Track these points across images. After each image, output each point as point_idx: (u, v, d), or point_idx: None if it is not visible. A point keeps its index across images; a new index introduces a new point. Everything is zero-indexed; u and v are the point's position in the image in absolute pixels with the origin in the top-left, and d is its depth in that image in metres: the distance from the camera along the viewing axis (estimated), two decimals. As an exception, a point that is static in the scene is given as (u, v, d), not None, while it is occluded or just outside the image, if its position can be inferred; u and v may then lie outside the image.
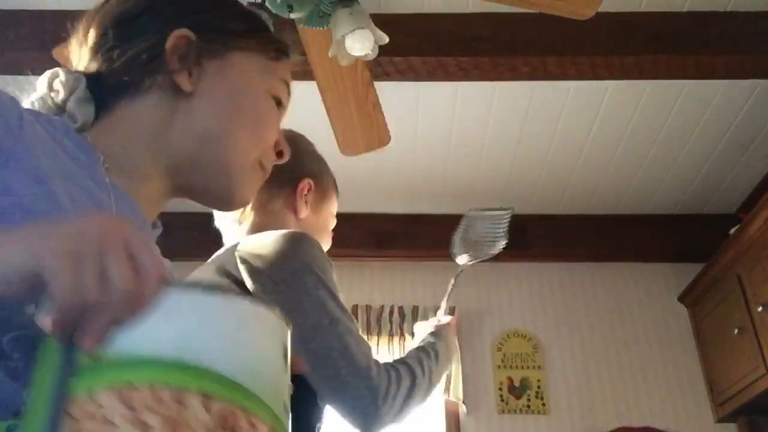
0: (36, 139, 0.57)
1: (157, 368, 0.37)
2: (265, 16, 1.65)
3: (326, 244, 1.32)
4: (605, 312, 3.31)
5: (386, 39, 1.67)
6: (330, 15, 1.67)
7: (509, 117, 2.82)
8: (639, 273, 3.40)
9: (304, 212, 1.28)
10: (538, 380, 3.13)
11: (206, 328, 0.39)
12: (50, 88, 0.69)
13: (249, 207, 1.25)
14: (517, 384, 3.12)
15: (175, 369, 0.37)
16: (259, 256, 1.08)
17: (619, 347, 3.22)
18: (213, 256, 1.22)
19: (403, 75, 2.37)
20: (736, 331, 2.76)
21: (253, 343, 0.41)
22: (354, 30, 1.62)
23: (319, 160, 1.37)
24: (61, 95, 0.68)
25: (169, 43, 0.69)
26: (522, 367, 3.16)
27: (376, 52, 1.70)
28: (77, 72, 0.70)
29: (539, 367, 3.17)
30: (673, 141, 2.94)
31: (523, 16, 2.30)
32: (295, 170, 1.25)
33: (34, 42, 2.19)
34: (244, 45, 0.74)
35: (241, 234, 1.24)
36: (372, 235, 3.42)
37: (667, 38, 2.31)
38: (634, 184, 3.23)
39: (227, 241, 1.28)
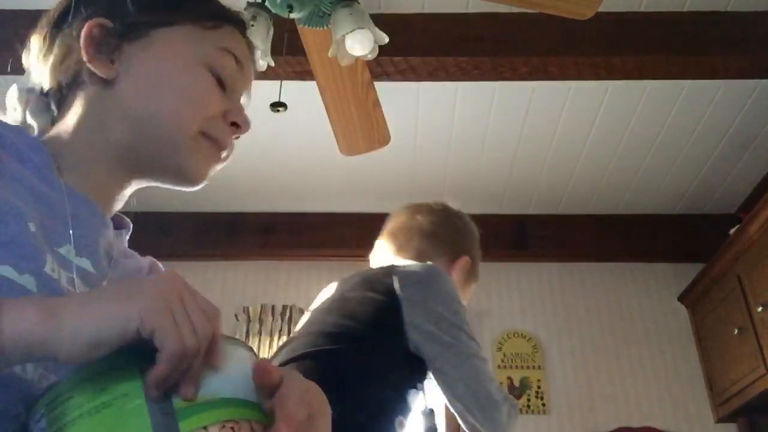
0: None
1: (240, 406, 0.48)
2: (265, 17, 1.65)
3: None
4: (605, 312, 3.31)
5: (386, 39, 1.67)
6: (330, 15, 1.67)
7: (509, 117, 2.82)
8: (639, 273, 3.40)
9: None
10: (538, 380, 3.13)
11: (244, 370, 0.50)
12: (13, 107, 0.73)
13: (413, 251, 1.42)
14: (517, 384, 3.12)
15: (247, 405, 0.48)
16: (412, 274, 1.24)
17: (619, 347, 3.22)
18: (363, 270, 1.37)
19: (403, 75, 2.36)
20: (736, 331, 2.76)
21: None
22: (354, 30, 1.62)
23: (479, 248, 1.52)
24: (19, 111, 0.72)
25: (82, 34, 0.69)
26: (522, 367, 3.16)
27: (376, 52, 1.70)
28: (30, 85, 0.73)
29: (539, 367, 3.17)
30: (673, 141, 2.94)
31: (524, 16, 2.30)
32: (463, 246, 1.45)
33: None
34: (171, 19, 0.72)
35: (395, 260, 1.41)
36: (372, 235, 3.41)
37: (667, 38, 2.31)
38: (634, 184, 3.23)
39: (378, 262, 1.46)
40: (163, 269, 0.81)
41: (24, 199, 0.59)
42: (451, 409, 1.19)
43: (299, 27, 1.78)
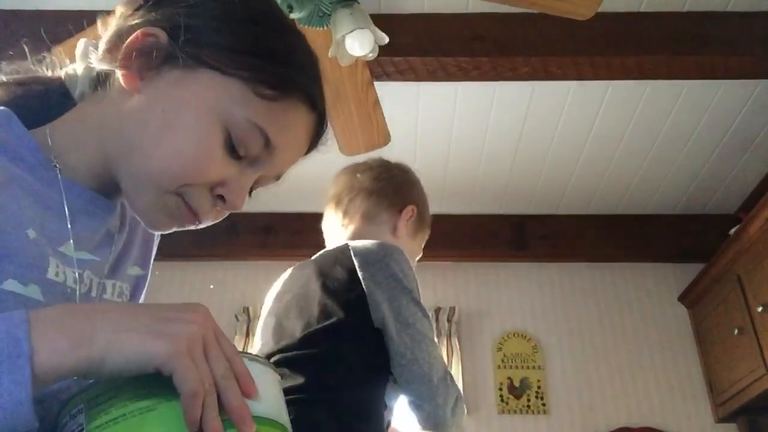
0: None
1: (270, 425, 0.51)
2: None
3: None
4: (605, 312, 3.31)
5: (386, 39, 1.67)
6: (330, 15, 1.67)
7: (509, 117, 2.82)
8: (639, 273, 3.40)
9: (403, 234, 1.40)
10: (538, 380, 3.13)
11: (274, 393, 0.54)
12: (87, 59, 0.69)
13: (358, 213, 1.40)
14: (517, 384, 3.12)
15: (275, 426, 0.52)
16: (368, 253, 1.23)
17: (620, 347, 3.22)
18: (316, 255, 1.34)
19: (403, 75, 2.37)
20: (736, 331, 2.76)
21: (280, 394, 0.56)
22: (354, 30, 1.62)
23: (425, 195, 1.52)
24: (85, 69, 0.69)
25: (133, 37, 0.63)
26: (522, 367, 3.16)
27: (376, 52, 1.70)
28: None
29: (539, 367, 3.17)
30: (673, 141, 2.94)
31: (524, 17, 2.30)
32: (406, 196, 1.44)
33: (34, 42, 2.19)
34: (230, 69, 0.63)
35: (344, 237, 1.39)
36: (372, 235, 3.42)
37: (667, 38, 2.31)
38: (634, 184, 3.23)
39: (329, 242, 1.45)
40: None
41: (22, 202, 0.59)
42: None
43: (299, 27, 1.78)
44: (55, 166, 0.64)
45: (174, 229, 0.69)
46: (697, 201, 3.34)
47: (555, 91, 2.67)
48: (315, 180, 3.31)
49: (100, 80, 0.67)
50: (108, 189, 0.68)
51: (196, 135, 0.62)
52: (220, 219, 0.69)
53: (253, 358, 0.54)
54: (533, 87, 2.66)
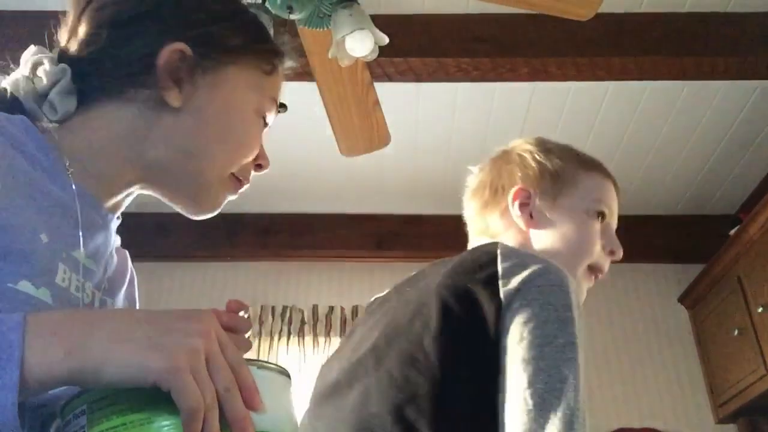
0: None
1: None
2: (265, 18, 1.65)
3: None
4: (605, 312, 3.31)
5: (386, 40, 1.67)
6: (330, 16, 1.67)
7: (509, 118, 2.82)
8: (639, 274, 3.40)
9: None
10: (538, 381, 3.13)
11: (285, 402, 0.53)
12: (33, 72, 0.68)
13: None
14: (517, 385, 3.12)
15: None
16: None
17: (620, 348, 3.21)
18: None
19: (403, 76, 2.37)
20: (736, 332, 2.76)
21: (290, 403, 0.55)
22: (354, 31, 1.62)
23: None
24: (44, 83, 0.67)
25: (163, 58, 0.67)
26: (522, 368, 3.16)
27: (376, 53, 1.70)
28: (62, 63, 0.69)
29: (539, 367, 3.16)
30: (674, 142, 2.94)
31: (524, 17, 2.30)
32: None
33: (34, 42, 2.18)
34: (241, 60, 0.73)
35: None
36: (372, 236, 3.42)
37: (667, 39, 2.31)
38: (635, 185, 3.23)
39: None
40: (135, 277, 0.81)
41: (37, 205, 0.59)
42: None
43: (299, 28, 1.78)
44: (69, 171, 0.64)
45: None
46: (697, 202, 3.34)
47: (555, 91, 2.67)
48: (315, 181, 3.32)
49: (109, 90, 0.68)
50: (110, 200, 0.70)
51: (247, 129, 0.73)
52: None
53: (263, 364, 0.52)
54: (533, 88, 2.66)
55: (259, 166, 0.78)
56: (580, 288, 1.11)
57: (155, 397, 0.45)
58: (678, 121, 2.82)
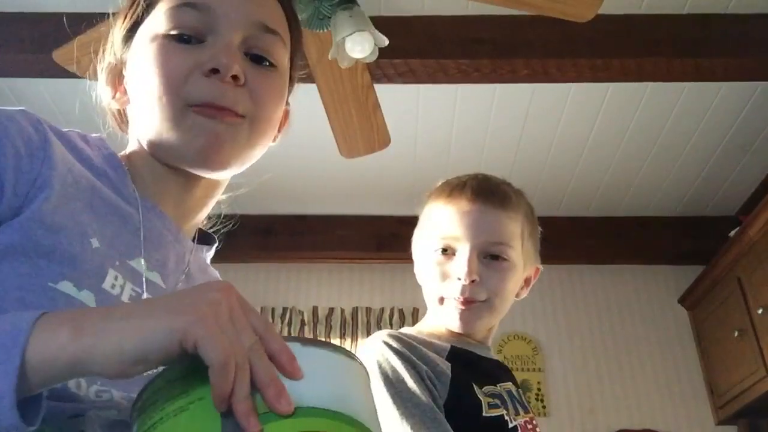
0: (61, 161, 0.61)
1: (322, 416, 0.43)
2: None
3: None
4: (605, 314, 3.31)
5: (386, 41, 1.67)
6: (330, 17, 1.68)
7: (509, 119, 2.82)
8: (639, 275, 3.40)
9: None
10: (538, 382, 3.13)
11: (333, 378, 0.47)
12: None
13: None
14: (517, 386, 3.12)
15: (327, 415, 0.44)
16: None
17: (620, 349, 3.21)
18: None
19: (403, 77, 2.36)
20: (736, 333, 2.76)
21: (362, 390, 0.49)
22: (354, 32, 1.62)
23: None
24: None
25: (106, 77, 0.74)
26: (522, 369, 3.16)
27: (376, 54, 1.70)
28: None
29: (539, 369, 3.17)
30: (673, 143, 2.94)
31: (523, 19, 2.30)
32: None
33: (33, 45, 2.19)
34: (141, 18, 0.72)
35: None
36: (372, 237, 3.42)
37: (667, 40, 2.31)
38: (634, 186, 3.23)
39: None
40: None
41: (94, 210, 0.61)
42: None
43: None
44: (134, 181, 0.69)
45: (228, 145, 0.66)
46: (698, 203, 3.34)
47: (555, 93, 2.67)
48: (315, 182, 3.32)
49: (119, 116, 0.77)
50: (182, 214, 0.73)
51: (151, 58, 0.67)
52: (251, 99, 0.68)
53: (308, 341, 0.47)
54: (533, 89, 2.65)
55: (214, 71, 0.65)
56: None
57: (188, 388, 0.44)
58: (678, 123, 2.82)
